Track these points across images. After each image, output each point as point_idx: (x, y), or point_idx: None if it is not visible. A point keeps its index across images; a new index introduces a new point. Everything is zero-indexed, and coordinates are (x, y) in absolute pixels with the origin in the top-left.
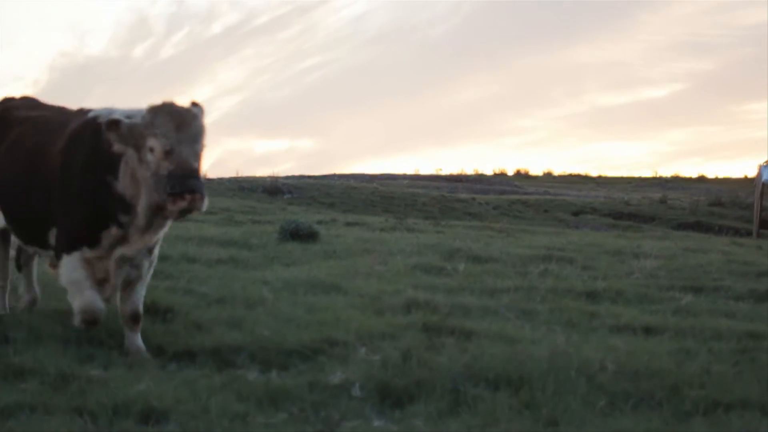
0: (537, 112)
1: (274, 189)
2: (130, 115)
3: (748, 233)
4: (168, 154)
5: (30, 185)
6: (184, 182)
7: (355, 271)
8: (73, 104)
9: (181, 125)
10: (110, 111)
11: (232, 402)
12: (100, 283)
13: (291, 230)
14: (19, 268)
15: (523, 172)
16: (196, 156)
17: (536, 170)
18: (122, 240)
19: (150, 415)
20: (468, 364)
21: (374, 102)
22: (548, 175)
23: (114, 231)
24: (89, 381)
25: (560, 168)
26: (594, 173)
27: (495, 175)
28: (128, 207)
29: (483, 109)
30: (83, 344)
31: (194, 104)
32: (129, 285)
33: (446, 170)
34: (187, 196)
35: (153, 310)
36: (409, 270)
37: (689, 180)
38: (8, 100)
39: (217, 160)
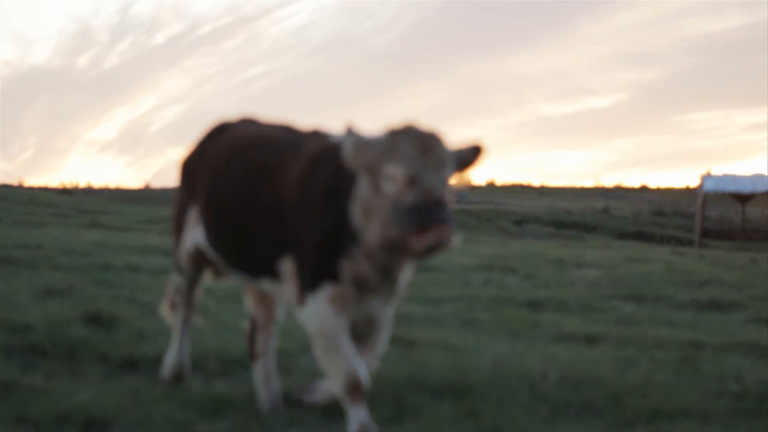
0: (481, 121)
1: None
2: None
3: (690, 243)
4: (411, 182)
5: (249, 204)
6: (429, 214)
7: None
8: (20, 114)
9: (425, 150)
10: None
11: (176, 411)
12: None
13: None
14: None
15: (464, 183)
16: (443, 184)
17: (479, 179)
18: (357, 280)
19: (93, 425)
20: (411, 373)
21: (318, 112)
22: (491, 186)
23: (350, 267)
24: (32, 390)
25: (504, 177)
26: (537, 182)
27: None
28: (357, 239)
29: (427, 118)
30: (26, 353)
31: (475, 147)
32: (369, 335)
33: None
34: (434, 230)
35: (96, 319)
36: None
37: (632, 190)
38: (227, 122)
39: (161, 169)
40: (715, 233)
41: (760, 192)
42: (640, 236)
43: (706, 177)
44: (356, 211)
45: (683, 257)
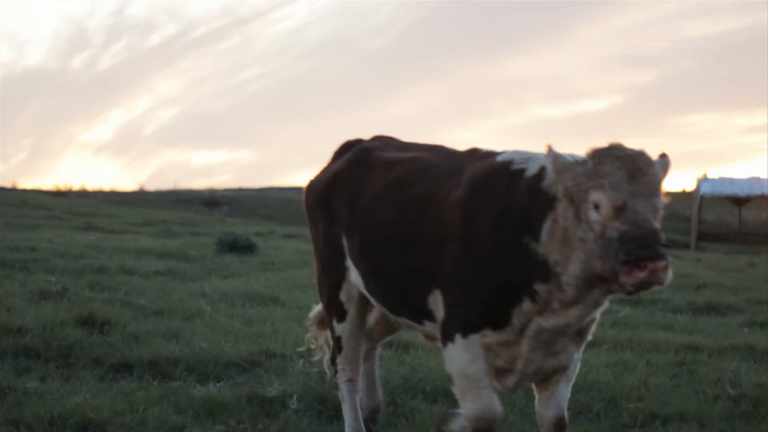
0: (476, 124)
1: (212, 201)
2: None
3: (687, 246)
4: (619, 210)
5: (407, 240)
6: (642, 247)
7: (293, 284)
8: (14, 116)
9: (634, 173)
10: (525, 155)
11: (170, 414)
12: (501, 372)
13: (229, 242)
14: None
15: None
16: (656, 212)
17: None
18: (536, 317)
19: (87, 428)
20: (406, 377)
21: (312, 114)
22: None
23: (527, 306)
24: (26, 393)
25: None
26: None
27: None
28: (549, 275)
29: (422, 121)
30: (20, 356)
31: (662, 156)
32: (550, 380)
33: None
34: (648, 266)
35: (90, 322)
36: None
37: None
38: (361, 142)
39: (155, 172)
40: (711, 236)
41: (757, 195)
42: None
43: (703, 180)
44: (550, 243)
45: (680, 260)
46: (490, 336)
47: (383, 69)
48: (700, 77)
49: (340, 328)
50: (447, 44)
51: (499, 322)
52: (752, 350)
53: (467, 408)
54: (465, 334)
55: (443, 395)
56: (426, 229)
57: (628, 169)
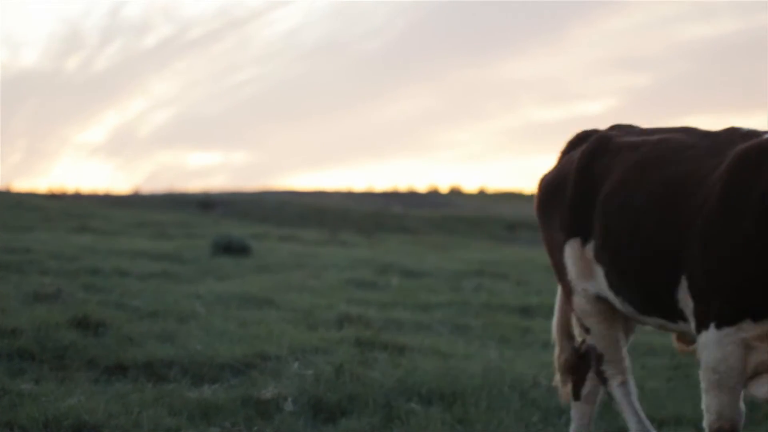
0: (472, 126)
1: (207, 203)
2: None
3: None
4: None
5: (657, 225)
6: None
7: (288, 286)
8: (8, 117)
9: None
10: None
11: (164, 416)
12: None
13: (224, 244)
14: (577, 394)
15: (455, 189)
16: None
17: (470, 184)
18: None
19: (82, 430)
20: (401, 379)
21: (308, 116)
22: (482, 193)
23: None
24: (20, 395)
25: (494, 181)
26: (528, 188)
27: (429, 192)
28: None
29: (417, 123)
30: (14, 358)
31: None
32: None
33: (379, 185)
34: None
35: (85, 323)
36: (342, 285)
37: None
38: (597, 132)
39: (151, 173)
40: None
41: None
42: None
43: None
44: None
45: None
46: (748, 329)
47: (379, 71)
48: (697, 80)
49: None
50: (443, 46)
51: (760, 312)
52: None
53: (709, 404)
54: (720, 326)
55: (440, 398)
56: (680, 211)
57: None
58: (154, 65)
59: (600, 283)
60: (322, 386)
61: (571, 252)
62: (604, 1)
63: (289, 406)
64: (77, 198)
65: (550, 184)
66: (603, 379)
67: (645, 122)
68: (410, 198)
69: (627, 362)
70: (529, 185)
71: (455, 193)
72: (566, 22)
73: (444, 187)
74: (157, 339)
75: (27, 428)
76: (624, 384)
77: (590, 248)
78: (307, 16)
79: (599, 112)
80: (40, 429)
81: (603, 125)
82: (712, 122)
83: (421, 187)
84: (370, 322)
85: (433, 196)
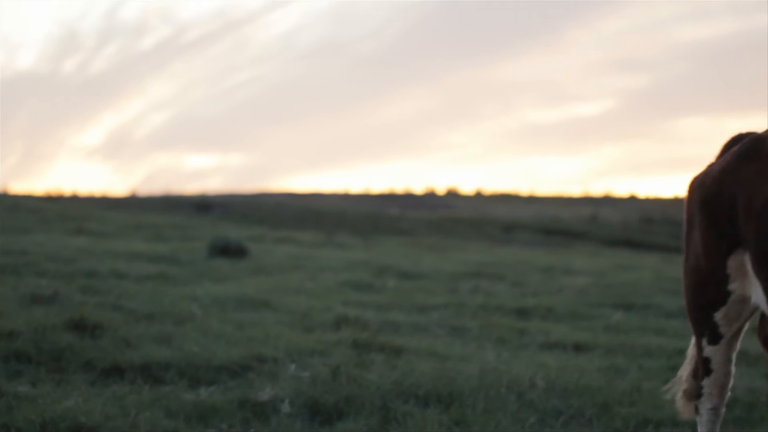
0: (468, 128)
1: (203, 205)
2: None
3: (679, 251)
4: None
5: None
6: None
7: (284, 288)
8: (5, 119)
9: None
10: None
11: (161, 418)
12: None
13: (220, 246)
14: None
15: (452, 190)
16: None
17: (467, 186)
18: None
19: None
20: (398, 381)
21: (305, 117)
22: (479, 195)
23: None
24: (17, 397)
25: (491, 182)
26: (525, 190)
27: (425, 194)
28: None
29: (414, 125)
30: (11, 360)
31: None
32: None
33: (376, 186)
34: None
35: (82, 325)
36: (338, 287)
37: (620, 198)
38: (752, 134)
39: (147, 175)
40: None
41: None
42: (628, 244)
43: None
44: None
45: (672, 265)
46: None
47: (376, 73)
48: (694, 81)
49: (712, 351)
50: (440, 47)
51: None
52: (745, 355)
53: None
54: None
55: (436, 399)
56: None
57: None
58: (151, 67)
59: (760, 301)
60: (318, 388)
61: (733, 263)
62: (601, 2)
63: (285, 407)
64: (74, 200)
65: (700, 187)
66: (698, 394)
67: (642, 123)
68: (407, 200)
69: (728, 393)
70: (526, 187)
71: (452, 195)
72: (563, 23)
73: (441, 189)
74: (154, 341)
75: (24, 430)
76: (716, 410)
77: (748, 260)
78: (304, 18)
79: (597, 114)
80: (37, 431)
81: (600, 126)
82: (710, 124)
83: (418, 188)
84: (366, 324)
85: (430, 197)
